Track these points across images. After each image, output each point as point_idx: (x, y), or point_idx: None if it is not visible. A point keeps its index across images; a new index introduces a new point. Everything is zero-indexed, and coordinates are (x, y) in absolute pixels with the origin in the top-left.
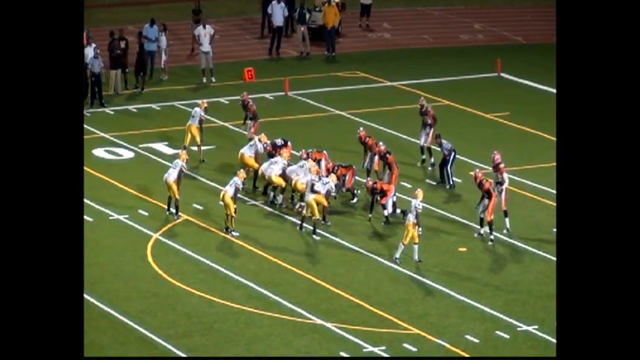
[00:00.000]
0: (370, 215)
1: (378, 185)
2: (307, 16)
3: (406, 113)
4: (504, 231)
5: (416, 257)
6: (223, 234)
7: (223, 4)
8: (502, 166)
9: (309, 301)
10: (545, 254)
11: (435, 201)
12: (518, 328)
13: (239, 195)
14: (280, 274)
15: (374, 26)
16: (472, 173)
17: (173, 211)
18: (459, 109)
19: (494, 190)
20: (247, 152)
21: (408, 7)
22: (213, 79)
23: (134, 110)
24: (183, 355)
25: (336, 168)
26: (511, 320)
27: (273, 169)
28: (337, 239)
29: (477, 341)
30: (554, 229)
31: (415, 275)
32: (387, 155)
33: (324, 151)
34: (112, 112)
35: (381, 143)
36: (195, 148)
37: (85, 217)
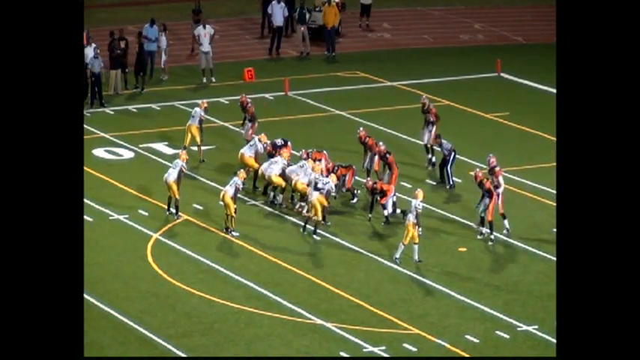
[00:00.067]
0: (370, 215)
1: (378, 185)
2: (307, 16)
3: (406, 113)
4: (504, 231)
5: (416, 257)
6: (223, 234)
7: (223, 4)
8: (498, 169)
9: (309, 301)
10: (545, 254)
11: (435, 201)
12: (518, 328)
13: (239, 195)
14: (280, 274)
15: (374, 26)
16: (472, 173)
17: (173, 211)
18: (459, 109)
19: (494, 189)
20: (247, 152)
21: (408, 7)
22: (213, 79)
23: (134, 110)
24: (183, 355)
25: (336, 168)
26: (511, 320)
27: (273, 169)
28: (337, 239)
29: (477, 341)
30: (554, 229)
31: (415, 275)
32: (387, 155)
33: (324, 151)
34: (112, 112)
35: (381, 143)
36: (195, 148)
37: (85, 217)
